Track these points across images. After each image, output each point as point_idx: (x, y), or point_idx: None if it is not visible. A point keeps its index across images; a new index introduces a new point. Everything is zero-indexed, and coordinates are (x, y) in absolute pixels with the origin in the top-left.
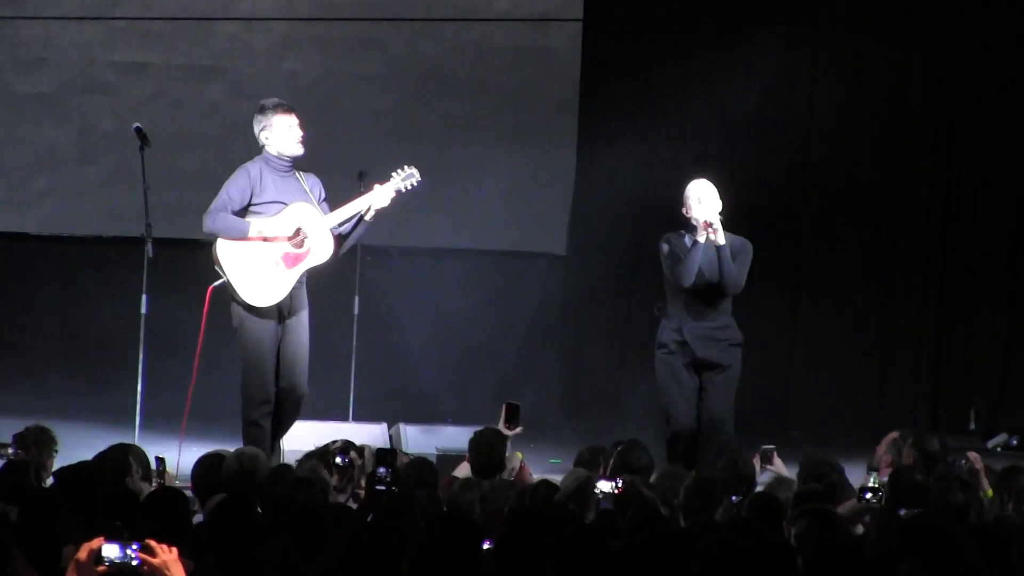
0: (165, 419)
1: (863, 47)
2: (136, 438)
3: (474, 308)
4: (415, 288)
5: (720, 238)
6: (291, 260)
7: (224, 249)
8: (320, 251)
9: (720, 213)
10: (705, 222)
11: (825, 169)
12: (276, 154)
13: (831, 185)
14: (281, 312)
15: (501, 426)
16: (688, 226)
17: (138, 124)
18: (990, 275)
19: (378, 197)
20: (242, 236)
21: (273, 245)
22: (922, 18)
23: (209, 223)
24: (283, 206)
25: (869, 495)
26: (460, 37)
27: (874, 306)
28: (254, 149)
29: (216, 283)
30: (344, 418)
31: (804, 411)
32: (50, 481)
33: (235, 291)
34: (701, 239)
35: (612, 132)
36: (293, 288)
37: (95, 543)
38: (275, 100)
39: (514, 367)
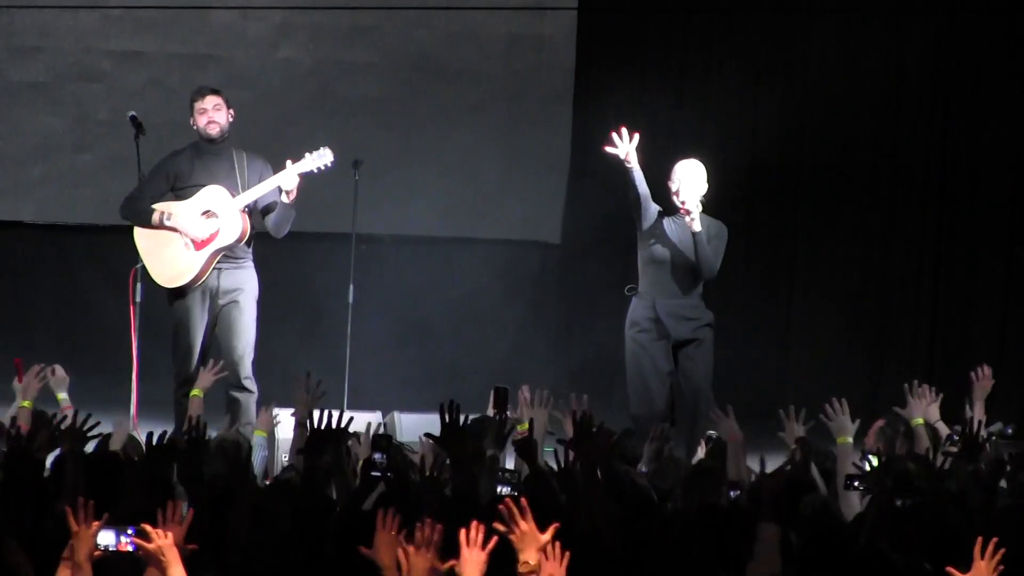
0: (160, 407)
1: (859, 28)
2: (130, 426)
3: (468, 297)
4: (409, 277)
5: (696, 225)
6: (200, 242)
7: (138, 233)
8: (229, 232)
9: (703, 197)
10: (684, 208)
11: (820, 155)
12: (202, 139)
13: (826, 171)
14: (209, 295)
15: (490, 411)
16: (671, 203)
17: (133, 112)
18: (986, 263)
19: (285, 177)
20: (145, 223)
21: (183, 224)
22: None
23: (120, 210)
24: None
25: (856, 482)
26: (454, 25)
27: (869, 295)
28: (248, 138)
29: (137, 265)
30: (339, 406)
31: (798, 399)
32: (50, 458)
33: (148, 273)
34: (691, 226)
35: (607, 120)
36: (221, 269)
37: (92, 529)
38: (198, 86)
39: (508, 356)
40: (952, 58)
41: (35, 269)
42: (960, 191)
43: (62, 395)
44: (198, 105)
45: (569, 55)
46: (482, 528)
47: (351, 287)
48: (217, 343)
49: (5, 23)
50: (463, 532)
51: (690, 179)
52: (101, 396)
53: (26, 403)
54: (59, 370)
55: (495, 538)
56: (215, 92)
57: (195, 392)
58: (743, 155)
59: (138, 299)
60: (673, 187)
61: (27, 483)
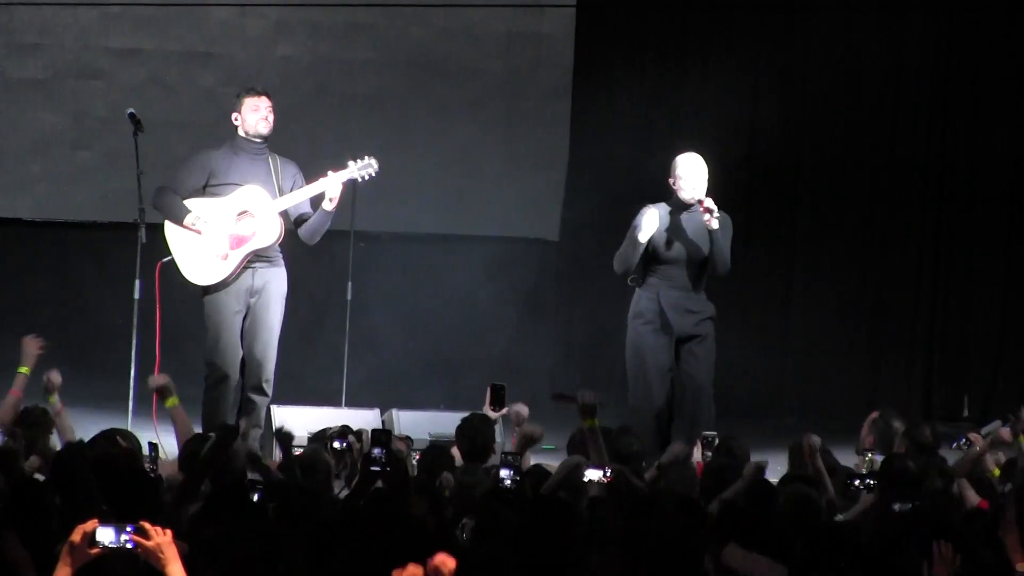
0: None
1: (858, 27)
2: (129, 423)
3: (466, 293)
4: (408, 274)
5: (714, 222)
6: (236, 241)
7: (171, 227)
8: (266, 234)
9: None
10: (704, 207)
11: (819, 154)
12: (244, 135)
13: (825, 170)
14: (246, 293)
15: (487, 408)
16: (673, 197)
17: (132, 110)
18: (984, 261)
19: (330, 184)
20: (176, 222)
21: (216, 227)
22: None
23: (153, 199)
24: (239, 188)
25: (857, 481)
26: (452, 22)
27: (868, 294)
28: None
29: (165, 259)
30: (337, 403)
31: (797, 396)
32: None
33: (178, 269)
34: (709, 224)
35: (605, 117)
36: (255, 268)
37: (89, 525)
38: (250, 85)
39: (506, 352)
40: (951, 57)
41: (34, 266)
42: (959, 190)
43: (53, 398)
44: (253, 101)
45: (567, 52)
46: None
47: (349, 284)
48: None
49: (4, 20)
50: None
51: (699, 173)
52: (100, 393)
53: (24, 369)
54: (54, 375)
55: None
56: (268, 95)
57: (171, 402)
58: (742, 153)
59: (136, 295)
60: (681, 183)
61: (25, 481)
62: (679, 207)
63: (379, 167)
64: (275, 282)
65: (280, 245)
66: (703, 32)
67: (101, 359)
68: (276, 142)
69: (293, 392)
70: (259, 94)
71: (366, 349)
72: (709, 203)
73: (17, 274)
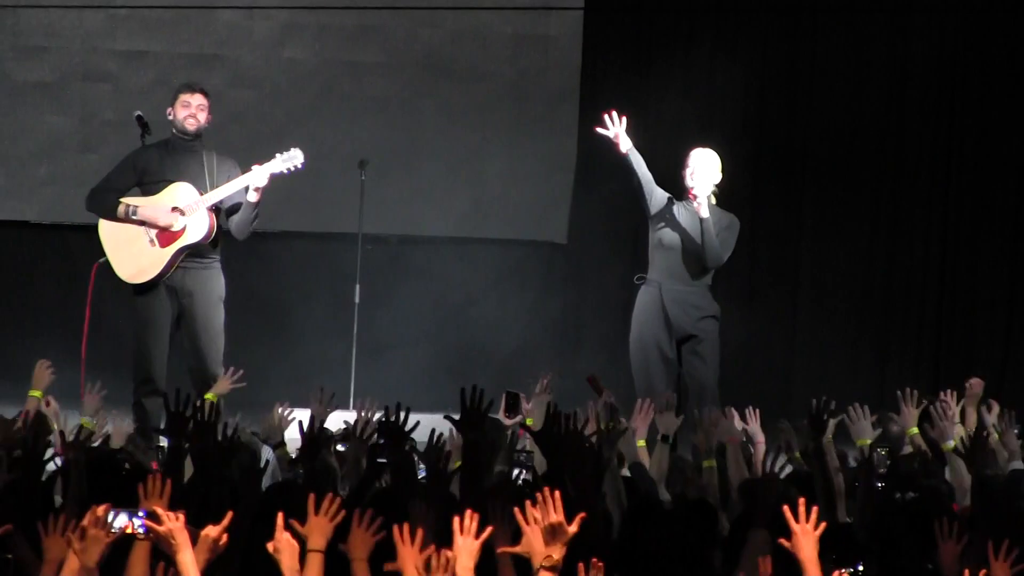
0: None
1: (864, 26)
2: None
3: (474, 297)
4: (416, 277)
5: (703, 211)
6: (165, 239)
7: (104, 227)
8: (195, 230)
9: (716, 186)
10: (690, 192)
11: (825, 152)
12: (176, 131)
13: (831, 168)
14: (174, 293)
15: (501, 415)
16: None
17: (139, 112)
18: (990, 259)
19: (255, 178)
20: (110, 216)
21: (147, 219)
22: None
23: (85, 201)
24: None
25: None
26: (460, 25)
27: (875, 291)
28: (253, 137)
29: (100, 260)
30: (345, 407)
31: (804, 393)
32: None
33: (112, 268)
34: (698, 211)
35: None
36: (187, 268)
37: (101, 510)
38: (187, 81)
39: (515, 355)
40: (958, 55)
41: (40, 269)
42: (965, 189)
43: (85, 418)
44: (184, 98)
45: (575, 55)
46: (476, 516)
47: (357, 287)
48: (181, 344)
49: (11, 23)
50: (456, 520)
51: (703, 167)
52: (105, 395)
53: (36, 392)
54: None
55: (489, 528)
56: (204, 93)
57: (210, 396)
58: (749, 152)
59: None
60: (687, 173)
61: (36, 481)
62: (684, 197)
63: (304, 159)
64: (210, 284)
65: (214, 246)
66: (710, 34)
67: (106, 361)
68: (282, 144)
69: (300, 394)
70: (192, 91)
71: (374, 352)
72: (697, 191)
73: (23, 277)
